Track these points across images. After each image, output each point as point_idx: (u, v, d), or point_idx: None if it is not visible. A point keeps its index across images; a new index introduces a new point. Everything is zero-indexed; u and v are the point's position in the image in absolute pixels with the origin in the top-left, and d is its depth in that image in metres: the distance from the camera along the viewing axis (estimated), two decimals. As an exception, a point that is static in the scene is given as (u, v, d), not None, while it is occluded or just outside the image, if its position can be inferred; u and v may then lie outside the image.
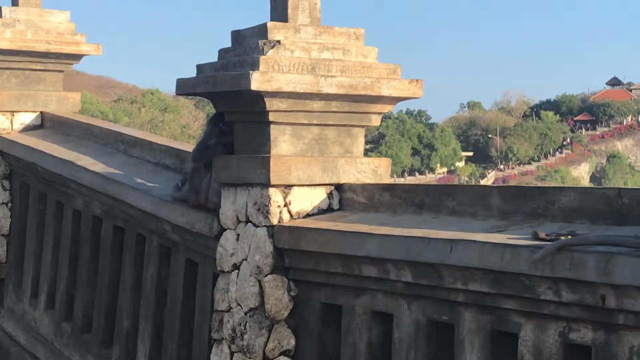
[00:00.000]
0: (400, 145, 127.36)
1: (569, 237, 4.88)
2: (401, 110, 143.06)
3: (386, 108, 6.88)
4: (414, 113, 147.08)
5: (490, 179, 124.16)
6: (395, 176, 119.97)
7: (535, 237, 5.01)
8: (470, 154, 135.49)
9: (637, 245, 4.52)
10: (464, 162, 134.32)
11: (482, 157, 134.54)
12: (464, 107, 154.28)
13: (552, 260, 4.73)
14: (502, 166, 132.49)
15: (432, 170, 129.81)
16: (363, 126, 6.92)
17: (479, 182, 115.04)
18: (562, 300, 4.79)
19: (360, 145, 6.93)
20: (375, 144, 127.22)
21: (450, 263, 5.29)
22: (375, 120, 6.91)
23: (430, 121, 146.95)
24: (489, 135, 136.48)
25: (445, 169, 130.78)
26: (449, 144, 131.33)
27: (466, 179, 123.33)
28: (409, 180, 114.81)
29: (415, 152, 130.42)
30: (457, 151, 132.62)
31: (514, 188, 5.79)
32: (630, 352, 4.58)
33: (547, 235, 4.99)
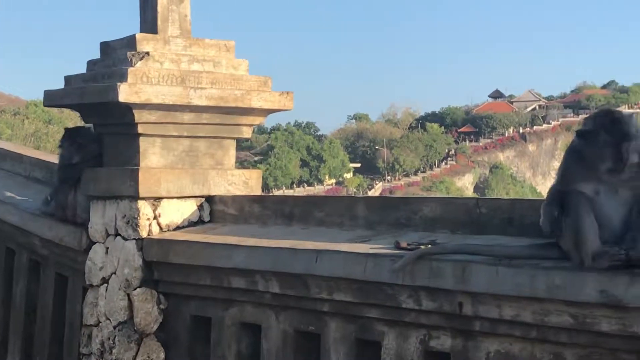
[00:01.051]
0: (289, 157, 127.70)
1: (429, 246, 4.99)
2: (290, 122, 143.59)
3: (257, 120, 6.91)
4: (303, 125, 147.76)
5: (377, 190, 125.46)
6: (284, 188, 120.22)
7: (397, 246, 5.11)
8: (358, 165, 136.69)
9: (492, 254, 4.65)
10: (352, 173, 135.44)
11: (369, 169, 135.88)
12: (351, 119, 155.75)
13: (412, 269, 4.83)
14: (389, 177, 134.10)
15: (320, 181, 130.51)
16: (234, 138, 6.93)
17: (366, 193, 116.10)
18: (423, 308, 4.88)
19: (231, 157, 6.95)
20: (264, 156, 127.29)
21: (316, 273, 5.35)
22: (247, 132, 6.93)
23: (319, 133, 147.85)
24: (376, 147, 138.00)
25: (333, 181, 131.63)
26: (338, 155, 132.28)
27: (354, 190, 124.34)
28: (298, 192, 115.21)
29: (304, 163, 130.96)
30: (345, 163, 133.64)
31: (379, 199, 5.90)
32: (487, 357, 4.70)
33: (408, 244, 5.09)
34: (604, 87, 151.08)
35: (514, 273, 4.44)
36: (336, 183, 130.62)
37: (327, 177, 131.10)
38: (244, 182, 6.86)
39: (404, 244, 5.10)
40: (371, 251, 5.13)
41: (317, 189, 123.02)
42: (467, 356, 4.78)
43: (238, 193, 6.78)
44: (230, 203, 6.62)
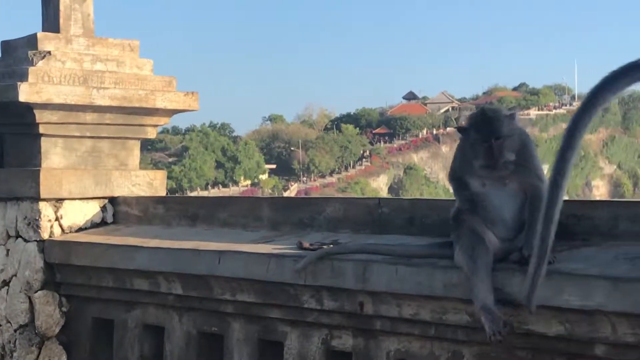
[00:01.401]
0: (204, 158, 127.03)
1: (331, 246, 5.02)
2: (205, 123, 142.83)
3: (162, 120, 6.86)
4: (218, 126, 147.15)
5: (292, 191, 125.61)
6: (199, 189, 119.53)
7: (300, 246, 5.12)
8: (274, 166, 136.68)
9: (392, 253, 4.69)
10: (267, 174, 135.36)
11: (285, 170, 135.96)
12: (267, 120, 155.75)
13: (314, 269, 4.84)
14: (304, 178, 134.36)
15: (236, 183, 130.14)
16: (138, 139, 6.87)
17: (282, 194, 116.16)
18: (324, 308, 4.91)
19: (135, 157, 6.88)
20: (178, 157, 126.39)
21: (218, 274, 5.33)
22: (151, 133, 6.88)
23: (234, 134, 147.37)
24: (292, 148, 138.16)
25: (249, 182, 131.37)
26: (253, 156, 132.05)
27: (269, 191, 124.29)
28: (213, 193, 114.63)
29: (219, 165, 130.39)
30: (260, 164, 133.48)
31: (283, 199, 5.93)
32: (387, 356, 4.74)
33: (311, 244, 5.11)
34: (515, 89, 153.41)
35: (413, 272, 4.49)
36: (252, 184, 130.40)
37: (242, 178, 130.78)
38: (148, 183, 6.81)
39: (306, 244, 5.12)
40: (274, 251, 5.13)
41: (232, 191, 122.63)
42: (368, 355, 4.82)
43: (142, 194, 6.72)
44: (134, 204, 6.56)
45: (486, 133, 4.27)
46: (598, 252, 4.20)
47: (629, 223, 4.30)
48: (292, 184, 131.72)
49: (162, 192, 6.87)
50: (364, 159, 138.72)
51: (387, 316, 4.66)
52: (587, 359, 4.05)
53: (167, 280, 5.66)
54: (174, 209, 6.34)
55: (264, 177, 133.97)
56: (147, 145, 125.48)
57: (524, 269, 4.10)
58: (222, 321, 5.49)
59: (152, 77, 6.71)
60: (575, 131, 3.81)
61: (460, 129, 4.40)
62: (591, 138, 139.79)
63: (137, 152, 6.89)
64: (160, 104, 6.63)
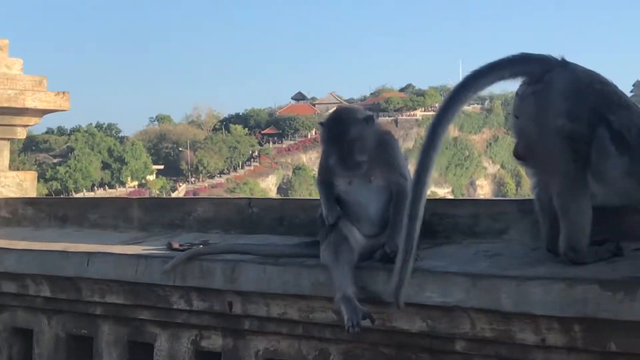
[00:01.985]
0: (90, 159, 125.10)
1: (201, 246, 5.01)
2: (91, 123, 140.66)
3: (32, 120, 6.75)
4: (104, 126, 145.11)
5: (181, 192, 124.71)
6: (84, 190, 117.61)
7: (169, 247, 5.10)
8: (162, 167, 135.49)
9: (260, 253, 4.71)
10: (155, 175, 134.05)
11: (173, 171, 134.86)
12: (154, 121, 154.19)
13: (183, 270, 4.83)
14: (192, 179, 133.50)
15: (122, 184, 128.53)
16: (7, 139, 6.74)
17: (170, 194, 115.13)
18: (194, 308, 4.89)
19: (5, 158, 6.75)
20: (64, 158, 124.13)
21: (87, 276, 5.27)
22: (21, 133, 6.75)
23: (121, 134, 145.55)
24: (180, 149, 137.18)
25: (136, 183, 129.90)
26: (140, 157, 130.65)
27: (157, 192, 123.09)
28: (99, 194, 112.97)
29: (105, 165, 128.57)
30: (148, 164, 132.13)
31: (153, 200, 5.89)
32: (256, 356, 4.76)
33: (180, 245, 5.10)
34: (402, 90, 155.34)
35: (280, 271, 4.51)
36: (139, 185, 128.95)
37: (129, 179, 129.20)
38: (18, 184, 6.69)
39: (176, 245, 5.10)
40: (143, 253, 5.10)
41: (119, 191, 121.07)
42: (237, 355, 4.82)
43: (12, 195, 6.59)
44: (2, 205, 6.42)
45: (336, 134, 4.34)
46: (459, 250, 4.30)
47: (489, 221, 4.41)
48: (180, 184, 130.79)
49: (33, 193, 6.76)
50: (253, 160, 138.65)
51: (255, 316, 4.68)
52: (448, 355, 4.14)
53: (35, 283, 5.56)
54: (44, 210, 6.23)
55: (151, 177, 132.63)
56: (31, 146, 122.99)
57: (388, 267, 4.18)
58: (91, 323, 5.42)
59: (21, 77, 6.59)
60: (438, 128, 3.88)
61: (321, 124, 4.47)
62: (475, 138, 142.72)
63: (6, 152, 6.76)
64: (30, 103, 6.52)
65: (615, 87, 4.06)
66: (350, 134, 4.29)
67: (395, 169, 4.40)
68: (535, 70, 3.93)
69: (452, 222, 4.51)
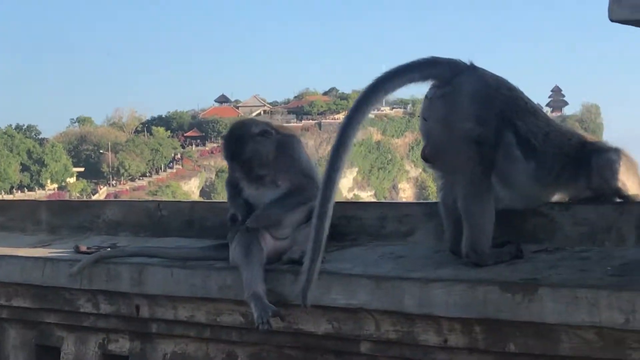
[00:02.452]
0: (9, 161, 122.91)
1: (108, 249, 4.97)
2: (10, 125, 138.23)
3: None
4: (24, 128, 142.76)
5: (102, 194, 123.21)
6: (3, 193, 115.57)
7: (77, 250, 5.05)
8: (82, 169, 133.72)
9: (168, 256, 4.69)
10: (75, 178, 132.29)
11: (94, 173, 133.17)
12: (75, 123, 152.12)
13: (90, 273, 4.79)
14: (114, 182, 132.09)
15: (42, 186, 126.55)
16: None
17: (90, 197, 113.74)
18: (101, 312, 4.86)
19: None
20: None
21: (-7, 279, 5.19)
22: None
23: (41, 136, 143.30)
24: (101, 151, 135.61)
25: (56, 185, 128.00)
26: (60, 159, 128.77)
27: (77, 195, 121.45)
28: (18, 196, 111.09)
29: (24, 167, 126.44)
30: (68, 167, 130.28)
31: (61, 202, 5.82)
32: (164, 359, 4.74)
33: (88, 248, 5.05)
34: (325, 93, 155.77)
35: (188, 274, 4.51)
36: (59, 188, 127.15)
37: (49, 181, 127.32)
38: None
39: (83, 248, 5.05)
40: (50, 256, 5.04)
41: (38, 194, 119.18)
42: (145, 358, 4.80)
43: None
44: None
45: (234, 152, 4.43)
46: (365, 252, 4.34)
47: (395, 223, 4.46)
48: (101, 187, 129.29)
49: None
50: (175, 162, 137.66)
51: (163, 319, 4.66)
52: (354, 356, 4.18)
53: (-61, 287, 5.45)
54: (-50, 213, 6.11)
55: (71, 180, 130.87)
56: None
57: (294, 269, 4.20)
58: (-2, 327, 5.34)
59: None
60: (348, 129, 3.90)
61: (222, 139, 4.53)
62: (398, 142, 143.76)
63: None
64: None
65: (522, 93, 4.14)
66: (247, 152, 4.38)
67: (299, 170, 4.45)
68: (445, 73, 3.99)
69: (359, 224, 4.55)
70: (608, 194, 4.03)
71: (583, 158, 4.07)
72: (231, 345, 4.53)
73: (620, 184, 4.01)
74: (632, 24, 3.24)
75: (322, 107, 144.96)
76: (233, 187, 4.53)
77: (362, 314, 4.00)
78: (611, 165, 4.02)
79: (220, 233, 4.72)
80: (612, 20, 3.20)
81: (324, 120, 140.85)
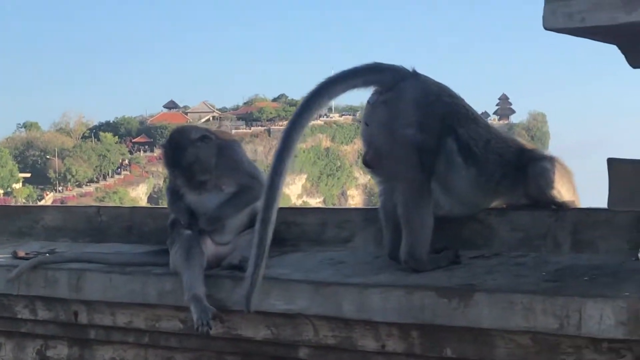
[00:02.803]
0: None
1: (47, 254, 4.92)
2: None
3: None
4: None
5: (48, 200, 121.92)
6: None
7: (15, 256, 5.00)
8: (28, 175, 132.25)
9: (107, 262, 4.66)
10: (21, 183, 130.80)
11: (40, 179, 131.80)
12: (21, 128, 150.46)
13: (28, 279, 4.74)
14: (60, 187, 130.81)
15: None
16: None
17: (37, 203, 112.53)
18: (39, 318, 4.81)
19: None
20: None
21: None
22: None
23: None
24: (48, 157, 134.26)
25: (1, 191, 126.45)
26: (6, 165, 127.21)
27: (23, 200, 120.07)
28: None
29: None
30: (14, 172, 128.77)
31: (0, 207, 5.73)
32: (102, 365, 4.70)
33: (26, 253, 5.00)
34: (275, 99, 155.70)
35: (127, 280, 4.48)
36: (4, 194, 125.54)
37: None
38: None
39: (21, 253, 5.00)
40: (-13, 261, 4.98)
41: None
42: (83, 365, 4.76)
43: None
44: None
45: (174, 159, 4.42)
46: (305, 258, 4.35)
47: (336, 229, 4.48)
48: (48, 193, 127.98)
49: None
50: (123, 168, 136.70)
51: (101, 325, 4.63)
52: (292, 362, 4.18)
53: None
54: None
55: (17, 186, 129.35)
56: None
57: (234, 275, 4.20)
58: None
59: None
60: (292, 134, 3.91)
61: (161, 147, 4.51)
62: (347, 149, 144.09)
63: None
64: None
65: (463, 100, 4.18)
66: (187, 159, 4.37)
67: (241, 171, 4.45)
68: (387, 79, 4.01)
69: (299, 230, 4.56)
70: (544, 201, 4.08)
71: (521, 166, 4.12)
72: (170, 351, 4.50)
73: (555, 192, 4.06)
74: (567, 33, 3.28)
75: (271, 113, 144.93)
76: (174, 194, 4.51)
77: (300, 319, 4.01)
78: (546, 174, 4.07)
79: (159, 239, 4.70)
80: (546, 29, 3.24)
81: (273, 127, 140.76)
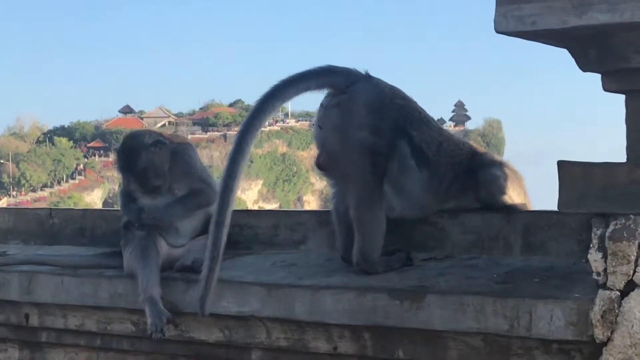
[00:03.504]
0: None
1: (-1, 257, 4.88)
2: None
3: None
4: None
5: (2, 205, 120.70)
6: None
7: (-39, 259, 4.94)
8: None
9: (59, 264, 4.63)
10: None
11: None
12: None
13: (-21, 282, 4.68)
14: (14, 192, 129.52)
15: None
16: None
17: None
18: None
19: None
20: None
21: None
22: None
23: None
24: (1, 161, 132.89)
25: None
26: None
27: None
28: None
29: None
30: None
31: (-50, 210, 5.66)
32: (51, 368, 4.67)
33: (-23, 256, 4.94)
34: (231, 105, 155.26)
35: (78, 282, 4.45)
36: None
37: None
38: None
39: (-32, 256, 4.94)
40: None
41: None
42: (35, 368, 4.72)
43: None
44: None
45: (127, 164, 4.43)
46: (258, 260, 4.35)
47: (288, 232, 4.48)
48: (1, 197, 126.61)
49: None
50: (78, 173, 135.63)
51: (53, 328, 4.60)
52: (245, 364, 4.17)
53: None
54: None
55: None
56: None
57: (186, 277, 4.19)
58: None
59: None
60: (245, 136, 3.91)
61: (115, 152, 4.51)
62: (303, 154, 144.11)
63: None
64: None
65: (416, 103, 4.20)
66: (140, 164, 4.37)
67: (194, 176, 4.45)
68: (340, 82, 4.02)
69: (252, 232, 4.56)
70: (495, 206, 4.11)
71: (472, 170, 4.15)
72: (122, 354, 4.48)
73: (506, 198, 4.10)
74: (518, 36, 3.31)
75: (227, 118, 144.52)
76: (127, 196, 4.50)
77: (253, 321, 4.00)
78: (496, 180, 4.11)
79: (112, 241, 4.69)
80: (497, 32, 3.26)
81: (229, 132, 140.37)
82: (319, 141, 4.10)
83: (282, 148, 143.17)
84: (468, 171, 4.15)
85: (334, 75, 4.06)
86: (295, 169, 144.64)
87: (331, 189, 4.24)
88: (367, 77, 4.08)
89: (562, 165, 3.33)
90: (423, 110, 4.22)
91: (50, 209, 5.27)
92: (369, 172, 3.97)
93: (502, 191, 4.09)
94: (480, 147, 4.53)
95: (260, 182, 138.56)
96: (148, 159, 4.37)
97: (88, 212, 5.14)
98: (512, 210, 4.05)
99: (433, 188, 4.12)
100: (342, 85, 4.01)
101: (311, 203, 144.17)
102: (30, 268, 4.64)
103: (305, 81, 4.02)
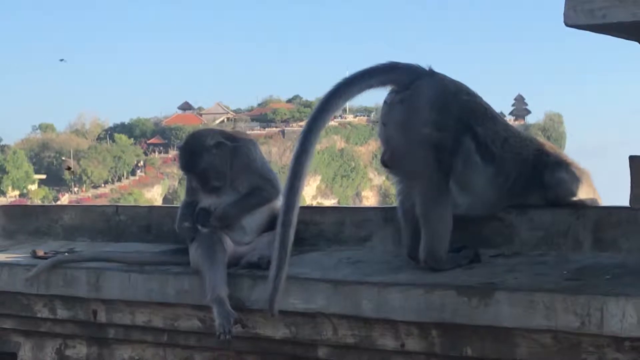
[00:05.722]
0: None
1: (66, 254, 4.93)
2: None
3: None
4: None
5: (64, 201, 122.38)
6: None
7: (34, 255, 5.01)
8: (44, 176, 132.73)
9: (126, 261, 4.67)
10: (37, 185, 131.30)
11: (56, 180, 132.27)
12: (37, 129, 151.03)
13: (47, 278, 4.75)
14: (76, 189, 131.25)
15: (3, 193, 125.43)
16: None
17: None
18: (58, 317, 4.82)
19: None
20: None
21: (-52, 285, 5.12)
22: None
23: (2, 143, 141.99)
24: (63, 158, 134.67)
25: (17, 192, 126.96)
26: (22, 166, 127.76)
27: (39, 201, 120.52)
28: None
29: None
30: (30, 174, 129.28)
31: (19, 207, 5.77)
32: (122, 364, 4.71)
33: (45, 253, 5.01)
34: (289, 100, 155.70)
35: (145, 279, 4.48)
36: (20, 195, 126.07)
37: (10, 188, 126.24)
38: None
39: (40, 253, 5.01)
40: (7, 260, 4.99)
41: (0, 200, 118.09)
42: (103, 364, 4.77)
43: None
44: None
45: (184, 165, 4.46)
46: (323, 257, 4.35)
47: (353, 228, 4.47)
48: (63, 194, 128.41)
49: None
50: (138, 170, 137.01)
51: (120, 324, 4.64)
52: (311, 361, 4.17)
53: None
54: None
55: (33, 187, 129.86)
56: None
57: (253, 274, 4.20)
58: (-48, 335, 5.27)
59: None
60: (309, 136, 3.91)
61: (178, 149, 4.54)
62: (361, 150, 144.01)
63: None
64: None
65: (481, 98, 4.15)
66: (201, 164, 4.41)
67: (255, 173, 4.47)
68: (404, 78, 3.99)
69: (317, 229, 4.55)
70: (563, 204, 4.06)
71: (538, 169, 4.09)
72: (189, 351, 4.50)
73: (575, 199, 4.05)
74: (588, 29, 3.27)
75: (285, 114, 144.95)
76: (190, 195, 4.54)
77: (320, 318, 4.00)
78: (563, 184, 4.06)
79: (178, 238, 4.70)
80: (567, 26, 3.23)
81: (287, 128, 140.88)
82: (384, 138, 4.07)
83: (340, 143, 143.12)
84: (534, 169, 4.10)
85: (397, 72, 4.03)
86: (354, 165, 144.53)
87: (396, 186, 4.22)
88: (431, 73, 4.04)
89: (634, 160, 3.28)
90: (488, 105, 4.17)
91: (117, 205, 5.31)
92: (434, 169, 3.94)
93: (570, 194, 4.05)
94: (548, 142, 4.46)
95: (319, 177, 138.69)
96: (209, 160, 4.39)
97: (154, 209, 5.18)
98: (582, 207, 4.00)
99: (498, 184, 4.07)
100: (406, 81, 3.98)
101: (370, 199, 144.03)
102: (97, 265, 4.68)
103: (368, 79, 4.00)
